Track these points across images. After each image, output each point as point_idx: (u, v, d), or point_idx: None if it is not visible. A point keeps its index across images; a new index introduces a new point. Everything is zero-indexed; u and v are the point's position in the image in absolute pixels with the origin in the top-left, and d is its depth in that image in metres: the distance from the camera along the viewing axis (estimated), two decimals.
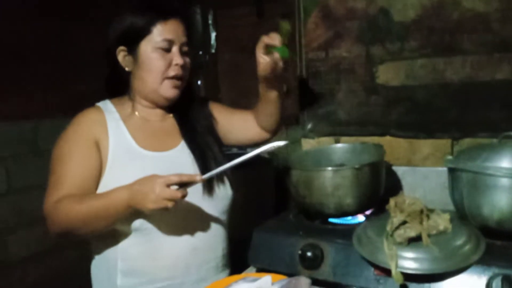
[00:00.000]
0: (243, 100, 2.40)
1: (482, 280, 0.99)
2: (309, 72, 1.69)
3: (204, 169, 1.21)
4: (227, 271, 1.32)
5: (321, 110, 1.69)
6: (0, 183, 1.90)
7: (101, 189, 1.14)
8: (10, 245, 1.94)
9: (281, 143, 1.05)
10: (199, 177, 1.05)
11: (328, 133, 1.67)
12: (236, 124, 1.40)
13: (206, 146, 1.27)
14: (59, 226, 1.09)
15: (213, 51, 2.70)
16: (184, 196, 1.03)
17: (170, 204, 1.02)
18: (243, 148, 2.19)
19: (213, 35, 2.67)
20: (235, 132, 1.40)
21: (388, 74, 1.55)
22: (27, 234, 1.97)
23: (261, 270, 1.23)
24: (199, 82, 2.69)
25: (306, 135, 1.70)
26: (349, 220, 1.37)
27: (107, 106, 1.24)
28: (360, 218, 1.38)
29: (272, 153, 2.21)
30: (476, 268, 1.01)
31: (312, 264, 1.17)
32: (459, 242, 1.06)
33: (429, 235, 1.06)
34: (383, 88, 1.56)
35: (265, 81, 1.29)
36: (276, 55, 1.21)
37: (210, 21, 2.68)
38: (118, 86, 1.26)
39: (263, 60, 1.21)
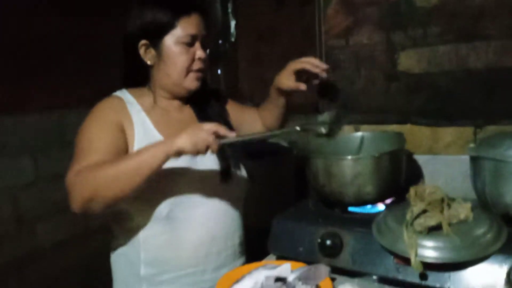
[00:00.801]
0: (263, 89, 2.41)
1: (503, 270, 0.98)
2: (329, 60, 1.68)
3: (221, 158, 1.24)
4: (243, 258, 1.34)
5: (341, 99, 1.68)
6: (28, 172, 1.96)
7: None
8: (38, 233, 2.00)
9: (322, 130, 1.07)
10: (233, 133, 1.08)
11: (348, 121, 1.67)
12: (245, 121, 1.43)
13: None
14: (83, 192, 1.04)
15: (233, 39, 2.69)
16: (220, 144, 1.06)
17: (204, 150, 1.05)
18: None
19: (233, 23, 2.66)
20: (242, 129, 1.42)
21: (409, 61, 1.53)
22: (55, 222, 2.03)
23: (281, 257, 1.24)
24: (219, 71, 2.69)
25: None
26: (369, 209, 1.37)
27: (126, 96, 1.24)
28: (380, 207, 1.37)
29: (292, 141, 2.22)
30: (497, 257, 1.00)
31: (332, 252, 1.18)
32: (480, 231, 1.05)
33: (449, 224, 1.06)
34: (405, 75, 1.54)
35: (282, 93, 1.33)
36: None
37: (229, 10, 2.67)
38: (137, 78, 1.27)
39: (293, 85, 1.30)
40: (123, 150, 1.15)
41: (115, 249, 1.26)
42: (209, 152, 1.20)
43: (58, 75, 2.02)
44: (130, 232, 1.19)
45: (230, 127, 1.34)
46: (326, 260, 1.18)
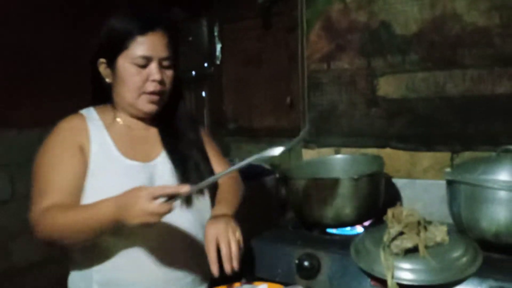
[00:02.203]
0: (247, 112, 2.42)
1: None
2: (311, 84, 1.70)
3: (183, 180, 1.17)
4: (205, 285, 1.24)
5: (322, 122, 1.69)
6: (4, 190, 1.91)
7: (83, 199, 1.11)
8: (13, 252, 1.94)
9: (276, 151, 0.98)
10: (185, 188, 0.98)
11: (328, 144, 1.68)
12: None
13: (188, 157, 1.23)
14: (45, 235, 1.07)
15: (218, 62, 2.72)
16: (169, 210, 0.97)
17: (153, 219, 0.96)
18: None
19: (219, 46, 2.69)
20: None
21: (389, 87, 1.56)
22: (30, 242, 1.97)
23: (258, 279, 1.23)
24: (203, 94, 2.71)
25: (306, 145, 1.70)
26: (347, 230, 1.37)
27: (90, 113, 1.22)
28: (359, 229, 1.37)
29: (273, 163, 2.22)
30: (472, 281, 1.01)
31: (309, 273, 1.17)
32: (456, 254, 1.05)
33: (426, 247, 1.06)
34: (384, 100, 1.57)
35: None
36: None
37: (215, 33, 2.71)
38: (102, 94, 1.23)
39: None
40: (84, 176, 1.12)
41: (71, 268, 1.21)
42: (171, 177, 1.17)
43: (40, 91, 2.00)
44: (85, 250, 1.14)
45: (202, 152, 1.27)
46: (303, 282, 1.17)
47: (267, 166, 2.18)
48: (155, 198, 0.96)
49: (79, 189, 1.12)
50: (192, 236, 1.19)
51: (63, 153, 1.13)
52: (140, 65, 1.14)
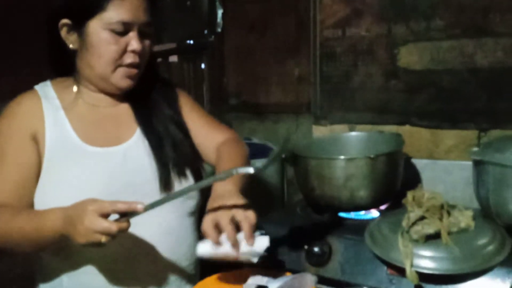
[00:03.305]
0: (251, 85, 2.40)
1: (506, 284, 0.98)
2: (323, 53, 1.68)
3: (161, 163, 1.11)
4: (194, 282, 1.17)
5: (335, 96, 1.68)
6: None
7: (38, 194, 1.08)
8: None
9: (248, 169, 0.91)
10: (140, 205, 0.90)
11: (342, 120, 1.67)
12: (198, 140, 1.23)
13: (165, 134, 1.15)
14: None
15: (219, 30, 2.68)
16: (123, 229, 0.90)
17: (103, 239, 0.89)
18: (247, 138, 2.19)
19: (220, 12, 2.65)
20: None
21: (411, 57, 1.53)
22: None
23: (262, 266, 1.23)
24: (202, 65, 2.68)
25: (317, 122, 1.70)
26: (362, 215, 1.37)
27: (46, 90, 1.14)
28: (374, 213, 1.37)
29: (279, 140, 2.21)
30: (499, 270, 1.00)
31: (319, 260, 1.17)
32: (482, 241, 1.05)
33: (449, 233, 1.06)
34: (405, 72, 1.55)
35: None
36: None
37: None
38: (64, 64, 1.13)
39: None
40: (36, 169, 1.07)
41: (39, 273, 1.16)
42: (148, 160, 1.10)
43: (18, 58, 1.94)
44: (56, 253, 1.10)
45: (182, 129, 1.19)
46: (313, 269, 1.17)
47: (272, 145, 2.17)
48: (104, 215, 0.90)
49: (29, 186, 1.07)
50: (177, 228, 1.15)
51: (10, 144, 1.07)
52: (118, 32, 1.05)
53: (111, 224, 0.89)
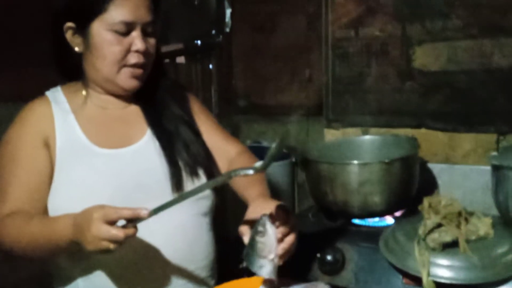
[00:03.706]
0: (260, 87, 2.40)
1: None
2: (335, 53, 1.68)
3: (172, 163, 1.14)
4: (212, 282, 1.22)
5: (348, 98, 1.67)
6: None
7: (52, 194, 1.10)
8: None
9: (248, 170, 0.93)
10: (145, 211, 0.92)
11: (355, 123, 1.67)
12: (208, 145, 1.24)
13: (176, 134, 1.18)
14: (2, 245, 1.07)
15: (227, 30, 2.69)
16: (130, 235, 0.92)
17: (111, 246, 0.91)
18: (256, 141, 2.19)
19: (228, 12, 2.66)
20: None
21: (426, 57, 1.53)
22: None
23: None
24: (210, 66, 2.69)
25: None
26: (376, 221, 1.37)
27: (56, 95, 1.17)
28: (389, 219, 1.37)
29: (289, 144, 2.21)
30: None
31: (332, 269, 1.17)
32: (501, 250, 1.05)
33: (467, 241, 1.05)
34: (420, 73, 1.54)
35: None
36: None
37: None
38: (71, 68, 1.17)
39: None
40: (49, 174, 1.10)
41: (54, 277, 1.19)
42: (159, 161, 1.12)
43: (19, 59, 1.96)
44: (71, 257, 1.11)
45: (193, 129, 1.21)
46: (325, 277, 1.17)
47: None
48: (110, 222, 0.92)
49: (43, 188, 1.10)
50: (191, 229, 1.17)
51: (23, 149, 1.11)
52: (121, 32, 1.08)
53: (118, 231, 0.91)
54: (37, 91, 1.19)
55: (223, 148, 1.24)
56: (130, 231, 0.92)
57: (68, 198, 1.07)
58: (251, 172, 0.94)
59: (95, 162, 1.10)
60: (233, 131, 2.27)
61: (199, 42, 2.69)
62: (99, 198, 0.99)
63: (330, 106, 1.71)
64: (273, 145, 0.92)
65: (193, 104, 1.28)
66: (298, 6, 2.18)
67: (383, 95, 1.61)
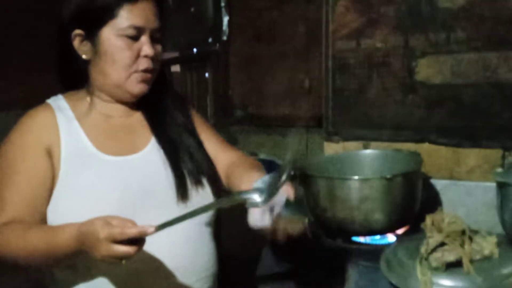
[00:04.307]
0: (258, 97, 2.42)
1: None
2: (336, 64, 1.69)
3: (177, 171, 1.18)
4: None
5: (348, 110, 1.69)
6: None
7: (54, 205, 1.13)
8: None
9: (257, 201, 0.94)
10: (151, 229, 0.95)
11: (356, 136, 1.67)
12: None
13: (180, 143, 1.23)
14: (2, 254, 1.09)
15: (224, 38, 2.71)
16: (139, 249, 0.96)
17: (123, 262, 0.97)
18: (253, 153, 2.19)
19: (226, 19, 2.68)
20: None
21: (430, 70, 1.54)
22: None
23: None
24: (206, 75, 2.71)
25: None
26: (377, 239, 1.37)
27: (59, 103, 1.20)
28: (390, 237, 1.37)
29: (286, 158, 2.21)
30: None
31: None
32: (506, 270, 1.04)
33: (471, 261, 1.06)
34: (424, 86, 1.56)
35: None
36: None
37: (222, 3, 2.70)
38: (74, 76, 1.21)
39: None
40: (49, 183, 1.12)
41: (53, 285, 1.20)
42: (164, 169, 1.16)
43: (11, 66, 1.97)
44: (67, 265, 1.13)
45: (195, 137, 1.26)
46: None
47: (280, 162, 2.18)
48: (118, 241, 0.94)
49: (42, 201, 1.12)
50: (194, 239, 1.19)
51: (24, 158, 1.13)
52: (130, 37, 1.13)
53: (128, 249, 0.95)
54: (33, 100, 1.22)
55: (222, 154, 1.29)
56: (139, 246, 0.96)
57: (72, 205, 1.10)
58: (259, 201, 0.95)
59: (102, 170, 1.14)
60: (229, 142, 2.28)
61: (195, 50, 2.71)
62: (106, 205, 1.04)
63: (330, 119, 1.71)
64: (284, 170, 0.94)
65: (195, 116, 1.33)
66: (298, 15, 2.20)
67: (385, 108, 1.62)
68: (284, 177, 0.97)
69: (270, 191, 0.95)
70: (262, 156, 2.19)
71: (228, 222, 1.39)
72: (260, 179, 1.01)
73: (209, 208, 1.07)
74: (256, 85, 2.44)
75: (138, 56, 1.14)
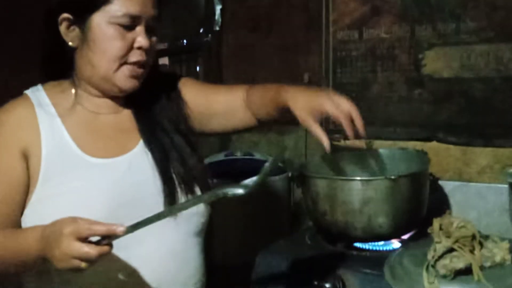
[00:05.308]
0: None
1: None
2: (337, 57, 1.70)
3: (165, 177, 1.15)
4: None
5: None
6: None
7: (34, 209, 1.11)
8: None
9: (237, 190, 0.93)
10: (121, 228, 0.92)
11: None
12: (221, 106, 1.29)
13: (171, 146, 1.20)
14: None
15: (217, 28, 2.71)
16: (104, 253, 0.93)
17: (83, 265, 0.92)
18: (248, 153, 2.19)
19: (218, 8, 2.68)
20: (219, 117, 1.29)
21: (437, 63, 1.55)
22: None
23: None
24: (197, 68, 2.71)
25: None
26: (381, 245, 1.37)
27: (38, 95, 1.17)
28: (395, 243, 1.38)
29: (284, 157, 2.21)
30: None
31: None
32: None
33: (481, 268, 1.06)
34: (431, 80, 1.56)
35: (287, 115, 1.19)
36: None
37: None
38: (59, 65, 1.18)
39: (312, 129, 1.14)
40: (22, 188, 1.11)
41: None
42: (152, 173, 1.14)
43: None
44: (46, 273, 1.12)
45: (187, 136, 1.24)
46: None
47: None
48: (82, 238, 0.92)
49: (14, 206, 1.11)
50: (182, 249, 1.18)
51: None
52: (124, 26, 1.10)
53: (90, 249, 0.91)
54: (9, 90, 1.19)
55: (234, 96, 1.27)
56: (104, 249, 0.93)
57: (54, 210, 1.05)
58: (241, 191, 0.93)
59: (85, 172, 1.11)
60: (222, 141, 2.28)
61: (185, 41, 2.70)
62: (90, 212, 1.00)
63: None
64: (268, 163, 0.93)
65: (185, 84, 1.29)
66: (297, 4, 2.20)
67: (390, 104, 1.63)
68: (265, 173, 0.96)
69: (253, 186, 0.94)
70: (257, 156, 2.18)
71: (221, 230, 1.39)
72: (249, 179, 1.01)
73: (188, 205, 1.03)
74: (251, 79, 2.43)
75: (131, 47, 1.11)
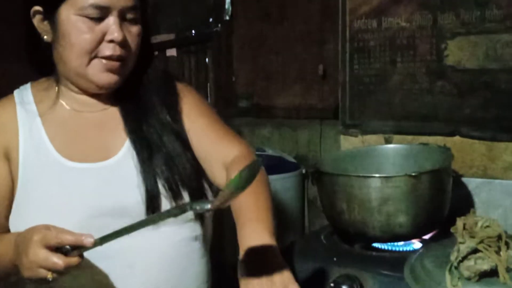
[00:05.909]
0: (265, 84, 2.42)
1: None
2: (354, 47, 1.69)
3: (149, 181, 1.12)
4: None
5: (368, 100, 1.69)
6: None
7: (14, 216, 1.12)
8: None
9: (205, 205, 0.90)
10: (90, 239, 0.90)
11: (376, 129, 1.68)
12: (200, 151, 1.21)
13: (159, 146, 1.15)
14: None
15: (227, 18, 2.71)
16: (72, 265, 0.91)
17: (49, 276, 0.91)
18: (260, 149, 2.19)
19: None
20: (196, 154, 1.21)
21: (461, 53, 1.54)
22: None
23: None
24: (207, 60, 2.72)
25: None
26: (401, 246, 1.37)
27: (23, 94, 1.18)
28: (416, 244, 1.37)
29: (299, 153, 2.22)
30: None
31: None
32: None
33: (507, 269, 1.05)
34: (454, 71, 1.55)
35: None
36: None
37: None
38: (42, 61, 1.16)
39: None
40: (7, 190, 1.11)
41: None
42: (131, 176, 1.11)
43: None
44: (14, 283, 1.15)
45: (183, 143, 1.18)
46: None
47: (290, 158, 2.18)
48: (51, 247, 0.91)
49: (1, 209, 1.12)
50: (179, 255, 1.16)
51: None
52: (92, 18, 1.06)
53: (57, 260, 0.90)
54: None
55: (218, 149, 1.19)
56: (72, 260, 0.91)
57: (32, 218, 1.04)
58: (208, 206, 0.91)
59: (64, 179, 1.10)
60: None
61: (193, 31, 2.71)
62: (65, 219, 0.99)
63: (347, 109, 1.72)
64: (239, 173, 0.86)
65: (187, 101, 1.23)
66: None
67: (410, 96, 1.62)
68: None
69: (218, 202, 0.91)
70: (270, 151, 2.19)
71: (232, 229, 1.38)
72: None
73: (156, 219, 0.99)
74: (263, 71, 2.44)
75: (102, 40, 1.08)
